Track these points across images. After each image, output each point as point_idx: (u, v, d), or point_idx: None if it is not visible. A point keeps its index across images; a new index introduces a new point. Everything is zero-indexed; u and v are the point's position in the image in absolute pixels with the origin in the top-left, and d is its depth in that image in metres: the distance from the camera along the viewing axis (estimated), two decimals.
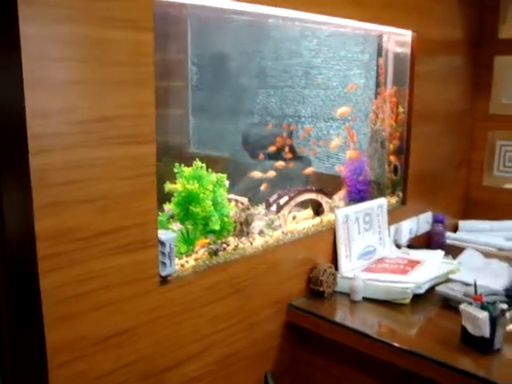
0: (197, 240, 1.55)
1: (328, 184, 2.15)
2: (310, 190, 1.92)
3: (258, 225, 1.75)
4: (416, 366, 1.43)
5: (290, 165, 2.14)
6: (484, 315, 1.39)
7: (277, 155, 2.16)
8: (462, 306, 1.45)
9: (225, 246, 1.55)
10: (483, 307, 1.41)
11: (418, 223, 2.32)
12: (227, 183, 1.65)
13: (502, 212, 2.51)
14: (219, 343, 1.51)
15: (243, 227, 1.65)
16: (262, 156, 2.21)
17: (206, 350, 1.47)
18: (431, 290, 1.76)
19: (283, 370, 1.75)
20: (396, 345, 1.47)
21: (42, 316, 1.09)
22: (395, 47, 2.20)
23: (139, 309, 1.28)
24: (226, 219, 1.62)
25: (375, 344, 1.51)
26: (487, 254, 2.20)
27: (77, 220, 1.12)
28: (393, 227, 2.15)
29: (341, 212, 1.88)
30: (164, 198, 1.57)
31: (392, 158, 2.23)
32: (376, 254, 2.00)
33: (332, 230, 1.87)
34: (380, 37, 2.21)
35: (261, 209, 1.90)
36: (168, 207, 1.58)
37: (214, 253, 1.51)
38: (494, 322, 1.39)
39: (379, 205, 2.03)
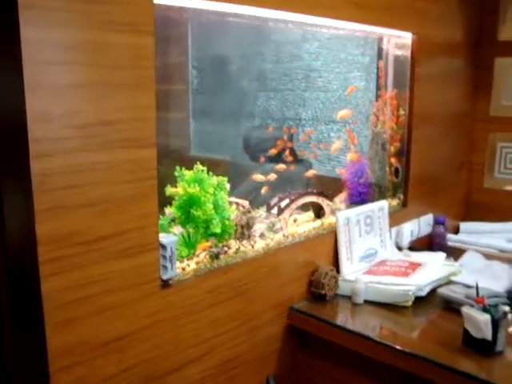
0: (198, 243, 1.55)
1: (329, 187, 2.15)
2: (311, 193, 1.92)
3: (259, 228, 1.75)
4: (418, 368, 1.43)
5: (291, 168, 2.14)
6: (486, 318, 1.38)
7: (277, 158, 2.16)
8: (464, 309, 1.44)
9: (226, 249, 1.55)
10: (485, 309, 1.41)
11: (419, 225, 2.32)
12: (228, 186, 1.65)
13: (503, 214, 2.51)
14: (220, 347, 1.50)
15: (244, 230, 1.65)
16: (262, 159, 2.21)
17: (207, 353, 1.47)
18: (433, 292, 1.75)
19: (285, 374, 1.74)
20: (398, 347, 1.47)
21: (44, 320, 1.09)
22: (395, 49, 2.21)
23: (140, 313, 1.27)
24: (227, 222, 1.61)
25: (377, 347, 1.51)
26: (488, 256, 2.19)
27: (77, 224, 1.12)
28: (394, 229, 2.15)
29: (342, 214, 1.88)
30: (165, 201, 1.56)
31: (393, 160, 2.23)
32: (377, 256, 2.00)
33: (333, 233, 1.87)
34: (380, 39, 2.21)
35: (262, 212, 1.90)
36: (169, 210, 1.58)
37: (215, 256, 1.51)
38: (495, 324, 1.39)
39: (380, 207, 2.03)
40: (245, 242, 1.63)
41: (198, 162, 1.61)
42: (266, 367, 1.68)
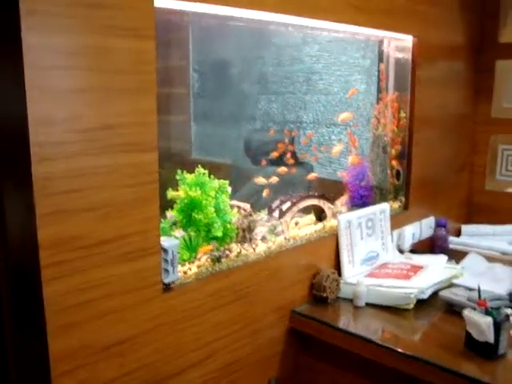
0: (199, 247, 1.55)
1: (330, 189, 2.15)
2: (313, 196, 1.92)
3: (260, 231, 1.75)
4: (420, 371, 1.42)
5: (292, 171, 2.14)
6: (488, 320, 1.38)
7: (279, 161, 2.16)
8: (466, 312, 1.44)
9: (227, 252, 1.55)
10: (487, 312, 1.41)
11: (421, 228, 2.32)
12: (229, 189, 1.65)
13: (505, 216, 2.51)
14: (222, 350, 1.50)
15: (246, 233, 1.65)
16: (263, 162, 2.21)
17: (209, 357, 1.47)
18: (434, 295, 1.75)
19: (287, 377, 1.74)
20: (399, 350, 1.47)
21: (45, 325, 1.09)
22: (396, 52, 2.21)
23: (141, 317, 1.27)
24: (228, 226, 1.61)
25: (379, 350, 1.51)
26: (490, 259, 2.19)
27: (79, 228, 1.12)
28: (395, 232, 2.15)
29: (343, 217, 1.88)
30: (166, 204, 1.57)
31: (394, 162, 2.23)
32: (379, 259, 2.00)
33: (334, 236, 1.87)
34: (381, 42, 2.22)
35: (263, 215, 1.90)
36: (170, 214, 1.58)
37: (217, 259, 1.51)
38: (498, 327, 1.39)
39: (382, 210, 2.03)
40: (246, 245, 1.63)
41: (200, 166, 1.61)
42: (267, 370, 1.68)
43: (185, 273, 1.43)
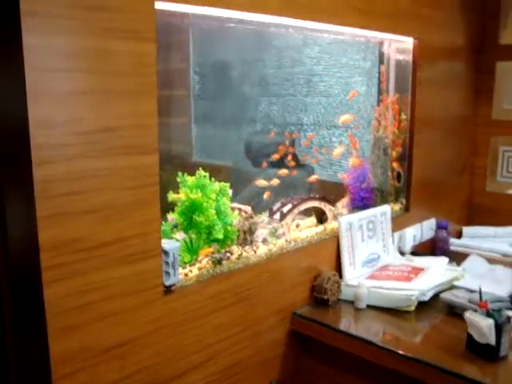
0: (200, 249, 1.55)
1: (331, 192, 2.15)
2: (313, 198, 1.92)
3: (261, 233, 1.75)
4: (421, 373, 1.42)
5: (293, 173, 2.14)
6: (489, 322, 1.38)
7: (279, 163, 2.16)
8: (467, 314, 1.44)
9: (228, 254, 1.55)
10: (488, 314, 1.40)
11: (422, 230, 2.32)
12: (230, 192, 1.65)
13: (506, 218, 2.50)
14: (223, 352, 1.50)
15: (247, 236, 1.65)
16: (264, 164, 2.21)
17: (210, 359, 1.47)
18: (436, 297, 1.75)
19: (288, 379, 1.74)
20: (401, 352, 1.47)
21: (46, 327, 1.09)
22: (397, 54, 2.21)
23: (142, 319, 1.27)
24: (229, 228, 1.61)
25: (380, 352, 1.51)
26: (491, 260, 2.19)
27: (79, 231, 1.12)
28: (396, 234, 2.15)
29: (344, 219, 1.88)
30: (167, 207, 1.57)
31: (395, 164, 2.23)
32: (380, 261, 2.00)
33: (335, 238, 1.87)
34: (381, 44, 2.22)
35: (264, 217, 1.90)
36: (171, 216, 1.58)
37: (218, 262, 1.51)
38: (499, 329, 1.38)
39: (383, 212, 2.03)
40: (247, 247, 1.63)
41: (200, 168, 1.61)
42: (269, 372, 1.67)
43: (186, 275, 1.43)
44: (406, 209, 2.24)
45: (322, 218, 1.96)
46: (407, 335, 1.63)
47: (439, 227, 2.37)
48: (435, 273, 1.88)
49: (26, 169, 1.03)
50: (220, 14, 1.42)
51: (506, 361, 1.41)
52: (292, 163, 2.16)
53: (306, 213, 1.94)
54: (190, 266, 1.48)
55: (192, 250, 1.54)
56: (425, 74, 2.17)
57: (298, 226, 1.90)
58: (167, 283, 1.33)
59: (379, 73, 2.24)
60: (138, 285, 1.25)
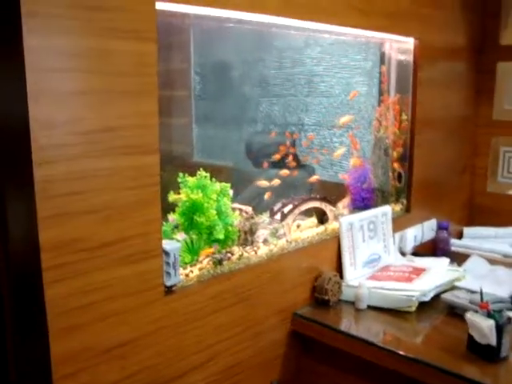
0: (201, 249, 1.55)
1: (332, 192, 2.15)
2: (314, 199, 1.92)
3: (262, 234, 1.75)
4: (422, 374, 1.42)
5: (294, 173, 2.14)
6: (490, 323, 1.38)
7: (280, 164, 2.16)
8: (468, 315, 1.44)
9: (229, 255, 1.55)
10: (489, 315, 1.40)
11: (423, 230, 2.31)
12: (231, 192, 1.65)
13: (507, 218, 2.50)
14: (224, 353, 1.50)
15: (247, 236, 1.65)
16: (265, 164, 2.21)
17: (211, 359, 1.47)
18: (436, 297, 1.75)
19: (288, 379, 1.74)
20: (401, 353, 1.47)
21: (47, 327, 1.09)
22: (398, 54, 2.21)
23: (143, 319, 1.27)
24: (230, 228, 1.61)
25: (380, 352, 1.51)
26: (492, 261, 2.19)
27: (80, 231, 1.12)
28: (397, 235, 2.15)
29: (345, 220, 1.88)
30: (168, 207, 1.57)
31: (396, 165, 2.22)
32: (381, 261, 1.99)
33: (336, 238, 1.87)
34: (382, 44, 2.22)
35: (265, 217, 1.89)
36: (172, 217, 1.58)
37: (219, 262, 1.51)
38: (500, 329, 1.38)
39: (383, 212, 2.03)
40: (248, 247, 1.63)
41: (201, 168, 1.61)
42: (269, 373, 1.67)
43: (187, 275, 1.43)
44: (407, 209, 2.24)
45: (322, 218, 1.96)
46: (408, 336, 1.63)
47: (440, 228, 2.37)
48: (436, 273, 1.88)
49: (26, 169, 1.03)
50: (220, 14, 1.42)
51: (506, 362, 1.40)
52: (293, 163, 2.16)
53: (307, 213, 1.94)
54: (191, 266, 1.48)
55: (193, 250, 1.54)
56: (425, 74, 2.17)
57: (298, 226, 1.90)
58: (168, 283, 1.33)
59: (380, 73, 2.24)
60: (140, 285, 1.25)
